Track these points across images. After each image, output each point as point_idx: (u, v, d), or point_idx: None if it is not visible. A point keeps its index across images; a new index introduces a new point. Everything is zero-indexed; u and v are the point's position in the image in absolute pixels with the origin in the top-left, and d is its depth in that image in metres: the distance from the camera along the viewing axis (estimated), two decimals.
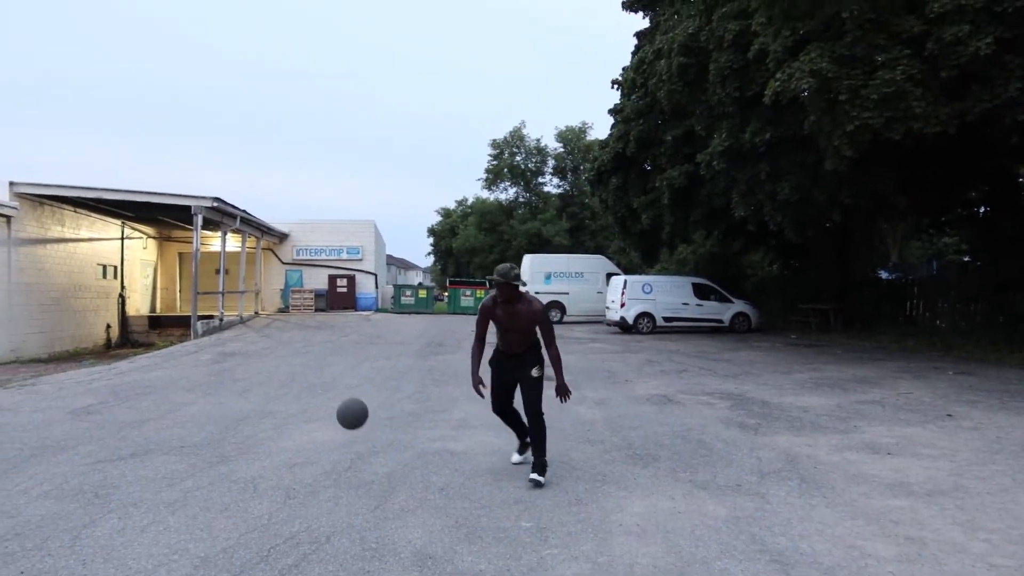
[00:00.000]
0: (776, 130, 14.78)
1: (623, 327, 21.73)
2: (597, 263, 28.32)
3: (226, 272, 23.92)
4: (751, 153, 15.84)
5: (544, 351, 5.63)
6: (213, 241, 26.10)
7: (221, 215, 21.76)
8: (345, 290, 32.54)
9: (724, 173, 17.03)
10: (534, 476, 5.39)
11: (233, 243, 25.96)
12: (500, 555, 4.05)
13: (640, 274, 25.91)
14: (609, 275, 25.42)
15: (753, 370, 12.71)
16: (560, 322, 26.34)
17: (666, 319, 21.55)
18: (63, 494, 5.24)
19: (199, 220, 20.18)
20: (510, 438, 7.03)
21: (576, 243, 47.70)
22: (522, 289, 5.61)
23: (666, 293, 21.82)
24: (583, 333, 21.83)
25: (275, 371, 12.47)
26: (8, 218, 18.37)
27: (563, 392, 5.54)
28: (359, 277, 33.19)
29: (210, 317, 21.68)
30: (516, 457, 6.07)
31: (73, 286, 22.28)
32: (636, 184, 23.64)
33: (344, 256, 33.38)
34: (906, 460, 6.21)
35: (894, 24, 12.02)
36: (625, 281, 22.21)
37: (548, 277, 26.99)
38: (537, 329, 5.62)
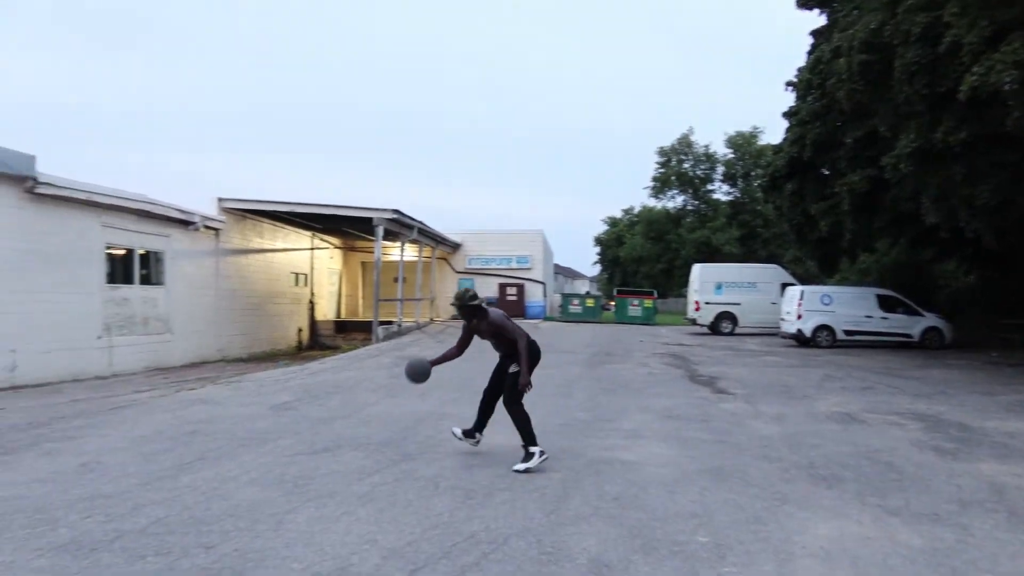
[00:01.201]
0: (973, 128, 13.62)
1: (800, 340, 20.74)
2: (771, 273, 27.25)
3: (404, 280, 25.17)
4: (943, 154, 14.68)
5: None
6: (392, 251, 27.50)
7: (400, 226, 22.95)
8: (515, 298, 33.19)
9: (912, 176, 15.88)
10: (516, 466, 6.08)
11: (410, 253, 27.25)
12: (676, 569, 4.00)
13: (818, 284, 24.63)
14: (784, 285, 24.37)
15: (948, 390, 11.76)
16: (732, 333, 25.56)
17: (847, 332, 20.35)
18: (268, 482, 5.73)
19: (380, 231, 21.41)
20: (683, 449, 7.00)
21: (747, 252, 46.15)
22: (485, 305, 6.52)
23: (847, 305, 20.60)
24: (756, 346, 21.06)
25: (449, 375, 12.90)
26: (216, 231, 20.26)
27: (522, 385, 6.25)
28: (528, 286, 33.79)
29: (390, 323, 22.88)
30: (456, 430, 6.91)
31: (270, 292, 24.22)
32: (813, 190, 22.58)
33: (514, 265, 34.11)
34: None
35: None
36: (802, 292, 21.19)
37: (719, 287, 26.27)
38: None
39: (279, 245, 25.20)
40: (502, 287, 33.44)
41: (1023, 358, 17.08)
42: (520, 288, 33.53)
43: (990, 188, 14.09)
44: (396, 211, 21.66)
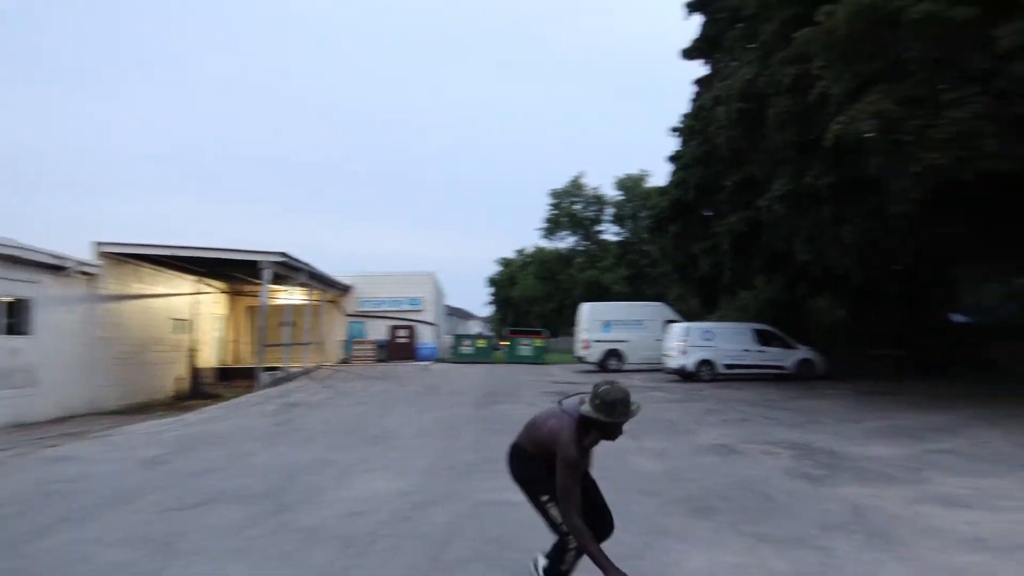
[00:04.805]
0: (839, 173, 14.49)
1: (683, 375, 21.32)
2: (656, 310, 27.97)
3: (292, 324, 24.41)
4: (813, 197, 15.55)
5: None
6: (280, 295, 26.76)
7: (288, 269, 22.34)
8: (406, 340, 32.87)
9: (785, 218, 16.73)
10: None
11: (298, 296, 26.55)
12: None
13: (700, 321, 25.47)
14: (668, 322, 25.07)
15: (820, 419, 12.28)
16: (620, 370, 26.03)
17: (727, 366, 21.08)
18: (133, 542, 5.37)
19: (267, 275, 20.76)
20: None
21: (635, 291, 47.34)
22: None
23: (727, 340, 21.38)
24: (642, 382, 21.48)
25: (336, 421, 12.60)
26: (92, 276, 19.14)
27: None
28: (419, 328, 33.54)
29: (276, 368, 22.09)
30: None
31: (149, 339, 22.95)
32: (695, 230, 23.45)
33: (405, 307, 33.83)
34: (982, 513, 5.87)
35: (961, 62, 11.74)
36: (685, 328, 21.87)
37: (607, 325, 26.75)
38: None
39: (160, 290, 24.05)
40: (393, 329, 33.12)
41: (887, 386, 18.07)
42: (411, 330, 33.27)
43: (855, 229, 14.96)
44: (284, 254, 21.10)
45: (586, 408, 3.74)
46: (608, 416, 3.69)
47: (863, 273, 16.58)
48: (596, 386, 3.81)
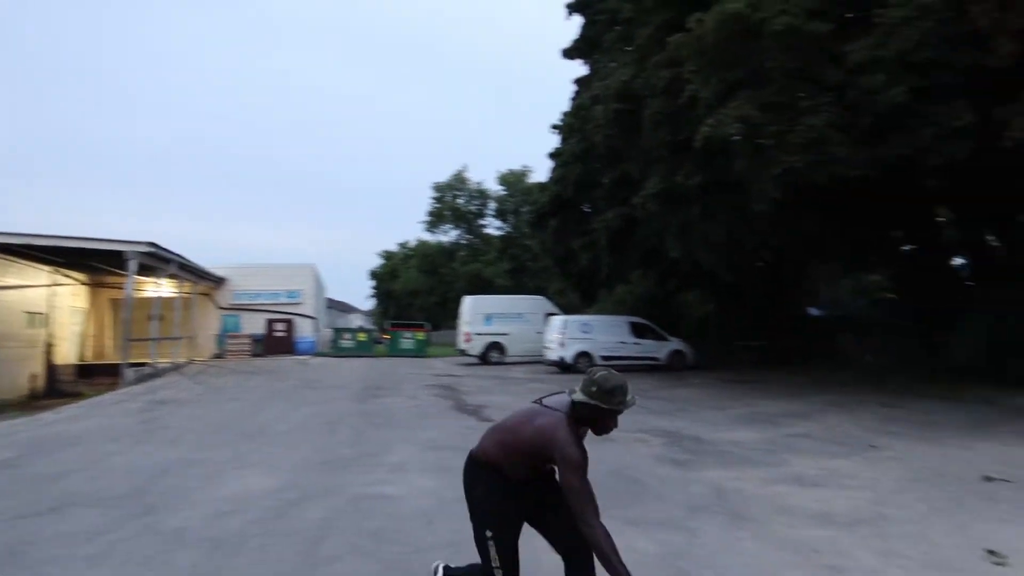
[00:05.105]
0: (707, 174, 15.20)
1: (562, 366, 21.83)
2: (537, 304, 28.50)
3: (160, 318, 23.27)
4: (683, 196, 16.25)
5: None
6: (148, 287, 25.46)
7: (156, 260, 21.27)
8: (283, 334, 32.06)
9: (658, 215, 17.41)
10: None
11: (168, 288, 25.36)
12: None
13: (579, 314, 26.14)
14: (549, 315, 25.58)
15: (688, 407, 12.90)
16: (501, 363, 26.33)
17: (604, 358, 21.72)
18: None
19: (133, 266, 19.68)
20: (445, 480, 6.99)
21: (517, 284, 47.98)
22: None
23: (604, 332, 22.07)
24: (522, 374, 21.85)
25: (207, 418, 12.16)
26: None
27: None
28: (298, 321, 32.78)
29: (143, 364, 21.01)
30: None
31: None
32: (574, 226, 24.00)
33: (283, 300, 32.98)
34: (830, 491, 6.38)
35: (816, 73, 12.59)
36: (564, 321, 22.41)
37: (488, 318, 27.00)
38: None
39: (11, 282, 22.38)
40: (270, 323, 32.23)
41: (751, 375, 19.17)
42: (289, 323, 32.53)
43: (722, 227, 15.77)
44: (152, 244, 20.05)
45: (580, 396, 3.35)
46: (607, 403, 3.32)
47: (729, 269, 17.48)
48: (590, 372, 3.44)
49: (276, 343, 31.74)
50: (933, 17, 11.33)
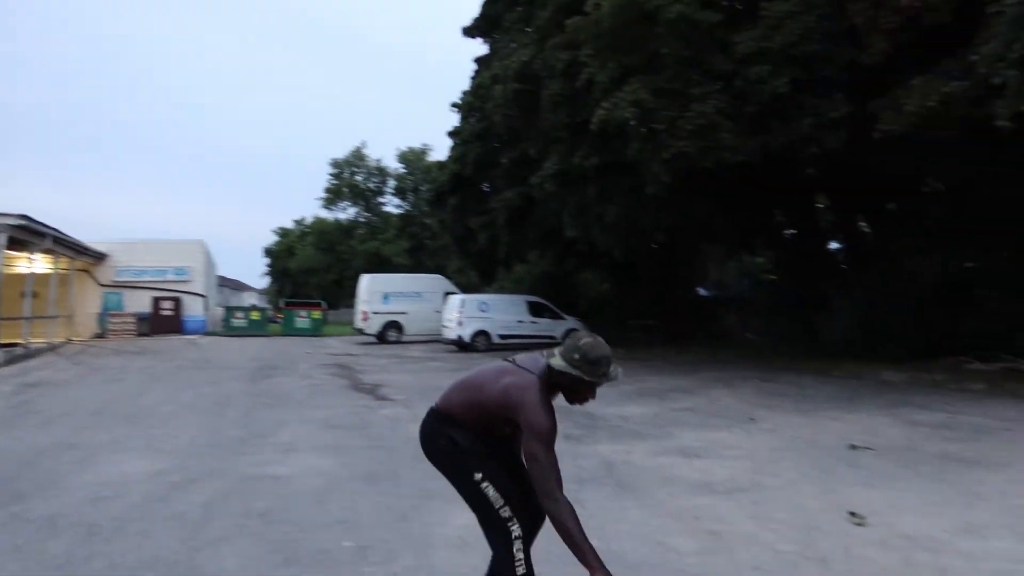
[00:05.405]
0: (603, 156, 15.54)
1: (460, 345, 21.95)
2: (435, 283, 28.46)
3: (34, 296, 21.92)
4: (580, 177, 16.57)
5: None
6: (19, 263, 23.90)
7: (29, 234, 19.95)
8: (171, 313, 30.80)
9: (555, 195, 17.69)
10: None
11: (43, 264, 23.91)
12: None
13: (478, 293, 26.29)
14: (447, 294, 25.60)
15: None
16: (399, 342, 26.22)
17: (502, 336, 21.98)
18: None
19: (2, 240, 18.42)
20: (338, 458, 6.97)
21: (416, 263, 47.71)
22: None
23: (502, 311, 22.29)
24: (420, 352, 21.84)
25: (85, 400, 11.57)
26: None
27: None
28: (186, 299, 31.56)
29: (14, 345, 19.77)
30: None
31: None
32: (474, 205, 24.08)
33: (170, 277, 31.66)
34: (712, 462, 6.72)
35: (707, 62, 13.04)
36: (462, 300, 22.51)
37: (386, 297, 26.79)
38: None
39: None
40: (156, 301, 30.86)
41: (643, 353, 19.76)
42: (177, 302, 31.24)
43: (617, 208, 16.19)
44: (24, 216, 18.75)
45: (559, 363, 2.97)
46: (590, 375, 2.95)
47: (625, 250, 17.97)
48: (575, 337, 3.06)
49: (163, 322, 30.48)
50: (815, 13, 11.94)
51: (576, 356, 2.95)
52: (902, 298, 14.99)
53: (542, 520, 3.18)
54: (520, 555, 3.02)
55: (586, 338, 3.03)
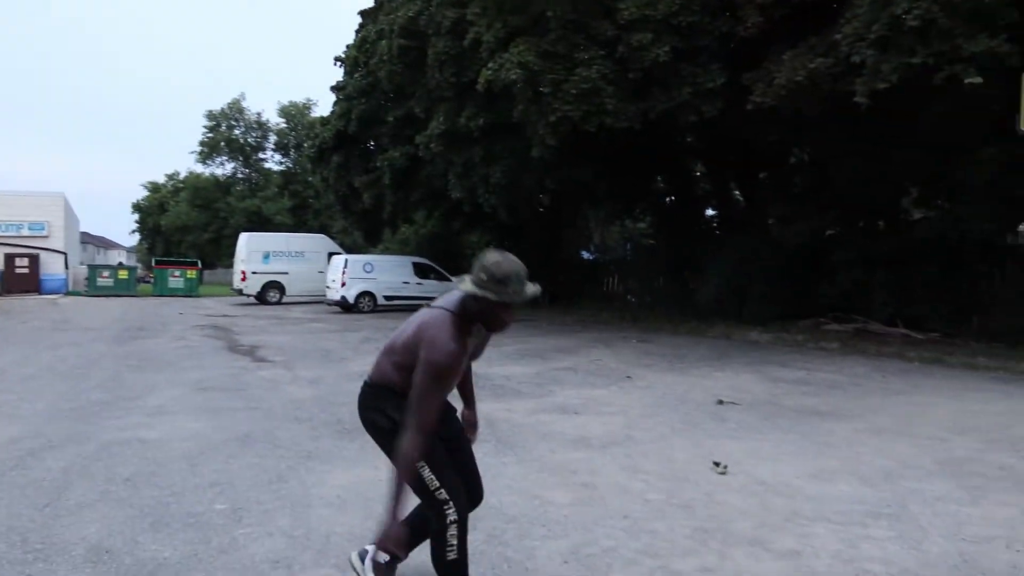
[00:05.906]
0: (489, 117, 15.52)
1: (344, 307, 21.63)
2: (318, 242, 27.86)
3: None
4: (466, 137, 16.49)
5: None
6: None
7: None
8: (26, 271, 28.86)
9: (441, 156, 17.57)
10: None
11: None
12: (188, 540, 3.87)
13: (363, 254, 25.90)
14: (331, 255, 25.11)
15: None
16: (280, 303, 25.56)
17: (387, 298, 21.80)
18: None
19: None
20: (213, 420, 6.77)
21: (299, 222, 46.45)
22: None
23: (387, 272, 22.08)
24: (302, 314, 21.39)
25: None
26: None
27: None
28: (44, 256, 29.60)
29: None
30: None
31: None
32: (358, 163, 23.61)
33: (25, 232, 29.63)
34: (589, 418, 6.95)
35: (592, 27, 13.17)
36: (346, 260, 22.12)
37: (266, 256, 26.02)
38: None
39: None
40: (9, 258, 28.78)
41: (527, 314, 19.90)
42: (34, 259, 29.23)
43: (502, 169, 16.26)
44: None
45: (468, 286, 2.70)
46: (499, 295, 2.65)
47: (510, 212, 18.09)
48: (482, 256, 2.79)
49: (17, 280, 28.52)
50: None
51: (483, 276, 2.68)
52: (769, 263, 15.81)
53: (477, 502, 3.15)
54: (454, 540, 2.86)
55: (494, 255, 2.75)
